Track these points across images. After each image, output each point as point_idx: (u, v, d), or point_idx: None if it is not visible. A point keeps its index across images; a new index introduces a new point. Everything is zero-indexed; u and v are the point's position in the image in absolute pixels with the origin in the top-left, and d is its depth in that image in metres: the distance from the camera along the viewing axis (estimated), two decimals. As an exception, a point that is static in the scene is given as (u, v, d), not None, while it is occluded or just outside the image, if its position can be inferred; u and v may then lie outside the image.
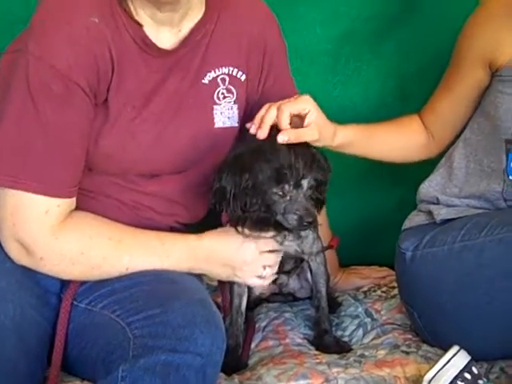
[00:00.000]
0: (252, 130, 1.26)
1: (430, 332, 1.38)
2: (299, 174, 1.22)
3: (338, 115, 1.69)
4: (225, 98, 1.32)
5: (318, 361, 1.31)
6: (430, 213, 1.43)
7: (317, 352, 1.37)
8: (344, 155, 1.71)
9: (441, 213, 1.40)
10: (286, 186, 1.22)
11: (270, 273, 1.32)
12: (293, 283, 1.51)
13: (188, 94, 1.28)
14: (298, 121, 1.28)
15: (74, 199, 1.22)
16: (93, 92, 1.18)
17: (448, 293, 1.33)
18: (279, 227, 1.27)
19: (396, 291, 1.53)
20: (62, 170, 1.19)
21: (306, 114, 1.27)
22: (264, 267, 1.31)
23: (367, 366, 1.29)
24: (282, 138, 1.22)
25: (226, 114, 1.32)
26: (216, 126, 1.31)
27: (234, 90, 1.33)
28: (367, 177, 1.74)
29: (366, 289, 1.58)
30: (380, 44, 1.71)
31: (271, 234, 1.29)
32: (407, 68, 1.73)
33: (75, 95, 1.16)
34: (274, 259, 1.32)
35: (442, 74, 1.51)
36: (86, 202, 1.26)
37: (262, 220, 1.26)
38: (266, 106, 1.27)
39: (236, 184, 1.21)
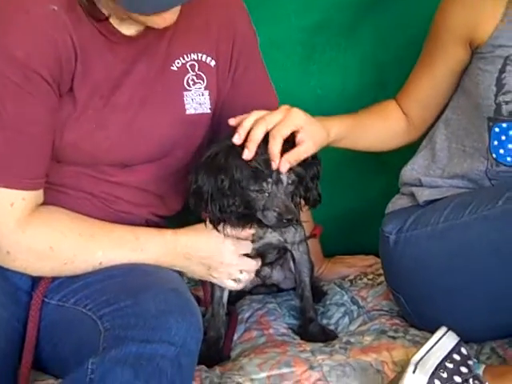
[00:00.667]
0: (235, 140, 1.19)
1: (418, 316, 1.35)
2: (278, 169, 1.18)
3: (315, 105, 1.69)
4: (195, 84, 1.29)
5: (301, 349, 1.27)
6: (412, 195, 1.40)
7: (301, 341, 1.33)
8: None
9: (424, 194, 1.37)
10: (264, 184, 1.19)
11: (245, 278, 1.31)
12: (276, 274, 1.47)
13: (157, 81, 1.26)
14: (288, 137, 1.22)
15: (41, 192, 1.19)
16: (56, 81, 1.15)
17: (434, 274, 1.30)
18: (261, 223, 1.25)
19: (383, 278, 1.49)
20: (26, 162, 1.16)
21: (297, 132, 1.21)
22: (241, 271, 1.29)
23: (353, 352, 1.26)
24: (280, 168, 1.17)
25: (197, 101, 1.30)
26: (187, 112, 1.29)
27: (204, 76, 1.30)
28: (350, 164, 1.71)
29: (351, 277, 1.55)
30: (356, 32, 1.68)
31: (253, 230, 1.26)
32: (385, 56, 1.70)
33: (36, 85, 1.13)
34: (252, 265, 1.31)
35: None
36: (56, 197, 1.23)
37: (243, 217, 1.23)
38: (252, 116, 1.21)
39: (212, 185, 1.19)
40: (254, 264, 1.31)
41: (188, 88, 1.29)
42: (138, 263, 1.21)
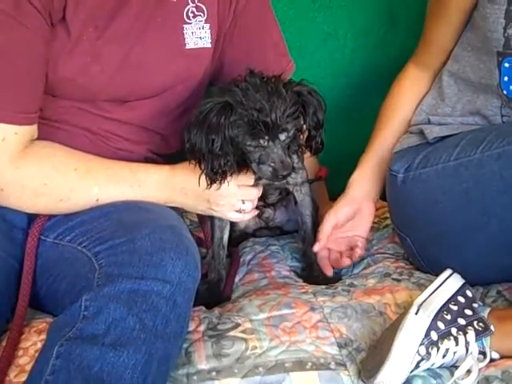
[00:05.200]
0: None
1: (424, 258, 1.31)
2: (276, 128, 1.14)
3: (322, 43, 1.65)
4: (195, 16, 1.24)
5: (303, 291, 1.25)
6: (421, 133, 1.34)
7: (304, 284, 1.30)
8: (331, 84, 1.64)
9: (433, 131, 1.31)
10: (261, 141, 1.15)
11: (249, 207, 1.26)
12: (280, 216, 1.44)
13: (155, 12, 1.21)
14: None
15: (35, 127, 1.16)
16: (46, 10, 1.11)
17: (443, 214, 1.25)
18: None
19: (388, 222, 1.46)
20: (18, 96, 1.12)
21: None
22: (243, 201, 1.25)
23: (356, 294, 1.23)
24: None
25: (197, 34, 1.25)
26: (187, 46, 1.24)
27: (204, 8, 1.25)
28: (358, 104, 1.67)
29: (357, 220, 1.51)
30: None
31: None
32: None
33: (26, 14, 1.09)
34: (254, 193, 1.26)
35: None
36: (51, 133, 1.20)
37: (239, 164, 1.19)
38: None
39: (203, 145, 1.14)
40: (256, 192, 1.26)
41: (188, 21, 1.24)
42: (136, 200, 1.18)
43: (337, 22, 1.63)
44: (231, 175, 1.19)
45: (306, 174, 1.35)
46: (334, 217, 1.34)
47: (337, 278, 1.33)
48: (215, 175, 1.17)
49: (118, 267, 1.01)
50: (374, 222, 1.48)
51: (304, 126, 1.22)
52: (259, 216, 1.41)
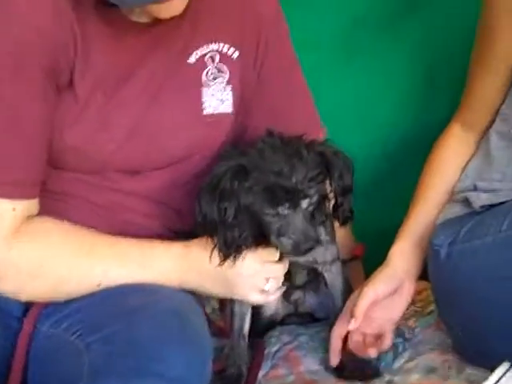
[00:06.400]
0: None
1: (475, 349, 1.14)
2: (297, 193, 1.04)
3: (357, 109, 1.54)
4: (215, 78, 1.15)
5: (335, 387, 1.09)
6: (466, 201, 1.20)
7: (335, 379, 1.15)
8: (367, 149, 1.53)
9: (480, 198, 1.17)
10: (280, 209, 1.04)
11: (274, 286, 1.13)
12: (310, 300, 1.29)
13: (170, 76, 1.12)
14: None
15: (35, 202, 1.07)
16: (50, 71, 1.03)
17: (495, 295, 1.10)
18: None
19: (434, 306, 1.29)
20: (16, 166, 1.03)
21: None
22: (267, 280, 1.12)
23: (396, 392, 1.07)
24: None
25: (217, 97, 1.15)
26: (205, 112, 1.14)
27: (226, 69, 1.15)
28: (395, 172, 1.54)
29: (398, 305, 1.35)
30: (402, 27, 1.53)
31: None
32: (434, 52, 1.54)
33: (29, 77, 1.02)
34: (279, 269, 1.13)
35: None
36: (51, 205, 1.10)
37: (256, 237, 1.08)
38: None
39: (215, 214, 1.04)
40: (281, 268, 1.13)
41: (207, 83, 1.14)
42: (142, 282, 1.06)
43: (374, 88, 1.53)
44: (247, 249, 1.07)
45: (336, 250, 1.21)
46: (373, 293, 1.19)
47: (374, 372, 1.16)
48: (229, 250, 1.05)
49: (111, 360, 0.89)
50: (417, 307, 1.33)
51: (330, 192, 1.10)
52: (287, 300, 1.27)
